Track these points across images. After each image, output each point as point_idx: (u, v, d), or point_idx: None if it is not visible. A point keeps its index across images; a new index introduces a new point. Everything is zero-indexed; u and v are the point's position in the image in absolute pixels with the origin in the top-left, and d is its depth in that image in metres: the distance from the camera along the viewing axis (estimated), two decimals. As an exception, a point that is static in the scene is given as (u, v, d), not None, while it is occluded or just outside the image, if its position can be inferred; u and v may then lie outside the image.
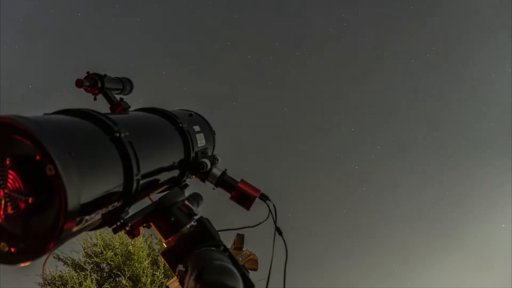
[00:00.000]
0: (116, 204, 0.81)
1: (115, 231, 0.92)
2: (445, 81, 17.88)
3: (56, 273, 9.72)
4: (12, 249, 0.63)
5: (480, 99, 18.07)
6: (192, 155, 1.21)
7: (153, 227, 1.09)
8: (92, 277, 9.85)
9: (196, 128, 1.32)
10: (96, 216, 0.74)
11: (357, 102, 18.64)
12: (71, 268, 9.88)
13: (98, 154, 0.75)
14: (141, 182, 0.86)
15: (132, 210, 0.99)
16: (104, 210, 0.76)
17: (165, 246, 1.06)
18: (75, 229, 0.66)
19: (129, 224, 0.92)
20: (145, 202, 1.06)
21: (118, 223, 0.89)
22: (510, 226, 15.48)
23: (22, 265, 0.63)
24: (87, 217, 0.69)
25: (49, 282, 9.63)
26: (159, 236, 1.10)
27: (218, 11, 17.60)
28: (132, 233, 0.98)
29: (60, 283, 9.61)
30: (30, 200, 0.60)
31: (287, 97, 19.34)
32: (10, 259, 0.63)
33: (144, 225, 1.06)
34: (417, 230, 18.78)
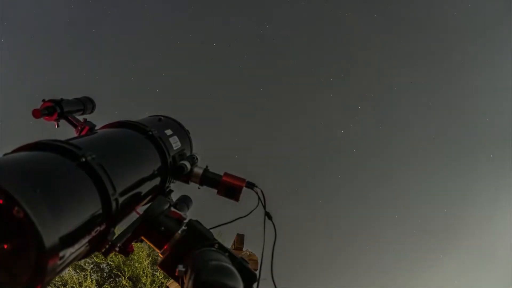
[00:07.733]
0: (99, 228, 0.78)
1: (105, 254, 0.89)
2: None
3: (56, 273, 9.72)
4: None
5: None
6: (169, 160, 1.18)
7: (145, 240, 1.06)
8: (92, 277, 9.86)
9: (168, 132, 1.28)
10: (81, 246, 0.72)
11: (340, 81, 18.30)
12: (71, 268, 9.88)
13: (67, 183, 0.72)
14: (121, 200, 0.84)
15: (124, 225, 0.98)
16: (88, 238, 0.74)
17: (161, 256, 1.03)
18: (59, 268, 0.64)
19: (118, 244, 0.89)
20: (135, 216, 1.04)
21: (107, 246, 0.87)
22: (510, 226, 15.48)
23: None
24: (70, 250, 0.67)
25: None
26: (154, 248, 1.07)
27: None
28: (125, 251, 0.95)
29: (60, 283, 9.61)
30: (5, 246, 0.57)
31: (261, 76, 19.12)
32: None
33: (136, 240, 1.03)
34: (416, 230, 18.78)
